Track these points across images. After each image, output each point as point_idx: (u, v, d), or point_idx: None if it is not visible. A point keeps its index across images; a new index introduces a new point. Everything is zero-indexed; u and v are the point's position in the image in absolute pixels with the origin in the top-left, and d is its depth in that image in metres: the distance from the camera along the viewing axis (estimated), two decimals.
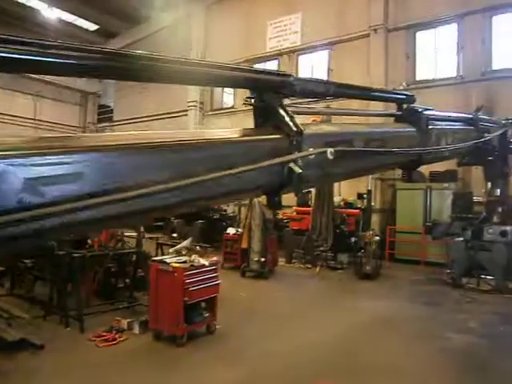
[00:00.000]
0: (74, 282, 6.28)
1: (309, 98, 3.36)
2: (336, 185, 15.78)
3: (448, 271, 10.38)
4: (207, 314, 6.09)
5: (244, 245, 10.78)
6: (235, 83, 2.67)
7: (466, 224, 10.20)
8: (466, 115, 5.92)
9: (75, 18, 20.83)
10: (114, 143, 1.57)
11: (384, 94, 4.35)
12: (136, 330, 6.06)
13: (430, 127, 4.26)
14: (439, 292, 9.43)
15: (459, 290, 9.40)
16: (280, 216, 14.99)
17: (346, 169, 3.14)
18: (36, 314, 6.73)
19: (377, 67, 14.95)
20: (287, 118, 2.50)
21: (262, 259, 10.42)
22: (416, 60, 14.92)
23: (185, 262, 5.83)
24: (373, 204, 14.63)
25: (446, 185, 12.82)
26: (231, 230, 11.91)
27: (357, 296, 8.97)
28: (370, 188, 13.10)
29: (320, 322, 7.21)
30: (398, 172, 14.82)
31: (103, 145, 1.53)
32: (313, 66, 17.39)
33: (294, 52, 17.74)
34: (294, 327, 6.88)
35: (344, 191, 15.73)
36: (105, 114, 26.02)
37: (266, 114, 2.56)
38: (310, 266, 11.94)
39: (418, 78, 14.75)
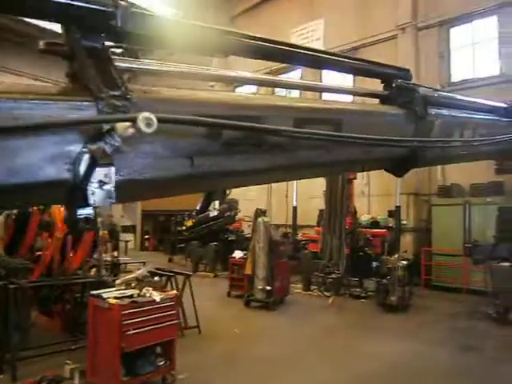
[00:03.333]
0: (10, 317, 5.26)
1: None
2: (364, 201, 14.21)
3: (495, 303, 8.53)
4: (162, 362, 4.84)
5: (248, 271, 9.47)
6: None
7: None
8: (499, 104, 4.39)
9: None
10: None
11: (355, 63, 2.94)
12: (76, 380, 4.90)
13: (433, 113, 2.90)
14: (481, 330, 7.62)
15: (506, 328, 7.56)
16: (300, 237, 13.60)
17: (248, 165, 1.86)
18: None
19: None
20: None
21: (268, 287, 9.05)
22: (451, 59, 13.23)
23: (130, 296, 4.66)
24: (405, 222, 12.89)
25: (489, 199, 10.91)
26: (237, 253, 10.64)
27: (374, 334, 7.35)
28: (398, 204, 11.42)
29: (316, 370, 5.74)
30: (435, 186, 13.05)
31: None
32: (337, 73, 16.08)
33: None
34: (281, 377, 5.46)
35: (374, 208, 14.11)
36: None
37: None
38: (328, 294, 10.39)
39: (454, 79, 13.04)
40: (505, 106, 4.43)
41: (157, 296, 4.79)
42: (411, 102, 2.75)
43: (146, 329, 4.54)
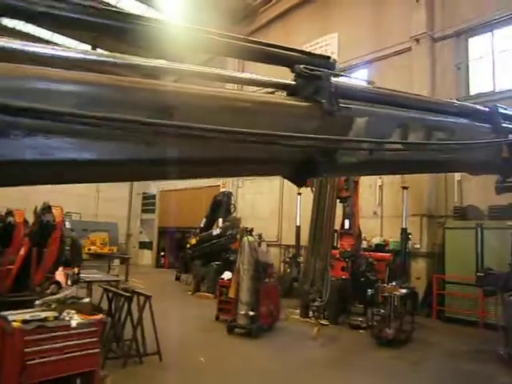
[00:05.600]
0: None
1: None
2: (377, 223, 13.30)
3: (507, 341, 7.42)
4: None
5: (232, 294, 8.82)
6: None
7: None
8: (479, 108, 3.62)
9: None
10: None
11: (249, 46, 2.34)
12: None
13: (354, 107, 2.32)
14: (484, 375, 6.56)
15: None
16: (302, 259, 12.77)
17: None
18: None
19: (421, 83, 12.54)
20: None
21: (251, 313, 8.35)
22: (469, 71, 12.29)
23: (43, 319, 4.16)
24: (418, 246, 11.88)
25: (509, 223, 9.77)
26: (226, 275, 10.03)
27: (354, 374, 6.46)
28: (405, 226, 10.46)
29: None
30: (451, 207, 11.98)
31: None
32: None
33: None
34: None
35: (387, 230, 13.11)
36: None
37: None
38: (327, 322, 9.53)
39: (472, 93, 12.06)
40: (486, 110, 3.67)
41: (75, 320, 4.27)
42: (317, 92, 2.16)
43: (55, 358, 4.01)
